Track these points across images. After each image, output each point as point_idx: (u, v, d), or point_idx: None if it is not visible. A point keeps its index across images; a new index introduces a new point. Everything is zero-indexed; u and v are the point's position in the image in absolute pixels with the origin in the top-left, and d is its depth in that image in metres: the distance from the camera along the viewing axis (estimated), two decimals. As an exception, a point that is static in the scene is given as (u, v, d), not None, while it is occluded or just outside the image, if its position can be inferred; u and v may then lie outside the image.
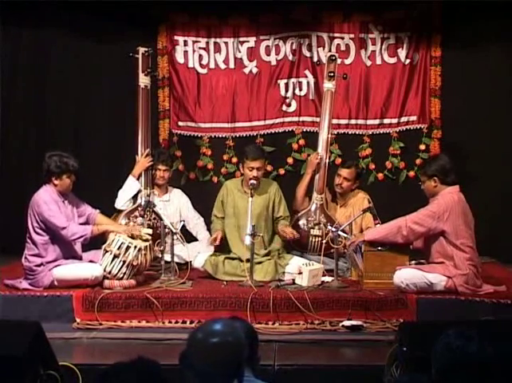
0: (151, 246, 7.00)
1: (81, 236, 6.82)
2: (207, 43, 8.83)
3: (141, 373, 2.74)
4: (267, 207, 7.53)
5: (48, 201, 6.80)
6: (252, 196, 7.16)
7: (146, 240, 6.96)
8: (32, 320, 5.56)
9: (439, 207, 6.65)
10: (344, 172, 7.85)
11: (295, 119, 8.83)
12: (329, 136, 7.91)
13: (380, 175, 8.71)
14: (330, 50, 8.50)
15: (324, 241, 7.26)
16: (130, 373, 2.74)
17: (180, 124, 8.88)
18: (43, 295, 6.68)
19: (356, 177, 7.94)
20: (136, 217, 7.56)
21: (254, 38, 8.81)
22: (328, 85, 7.94)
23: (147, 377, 2.74)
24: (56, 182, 6.87)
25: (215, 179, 8.77)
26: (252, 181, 7.29)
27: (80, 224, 6.98)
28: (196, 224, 8.06)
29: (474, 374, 3.17)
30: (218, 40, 8.83)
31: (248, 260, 7.01)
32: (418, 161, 8.62)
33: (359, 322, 6.38)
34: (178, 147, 8.84)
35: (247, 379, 3.18)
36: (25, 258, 6.87)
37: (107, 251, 6.80)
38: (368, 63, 8.75)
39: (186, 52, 8.85)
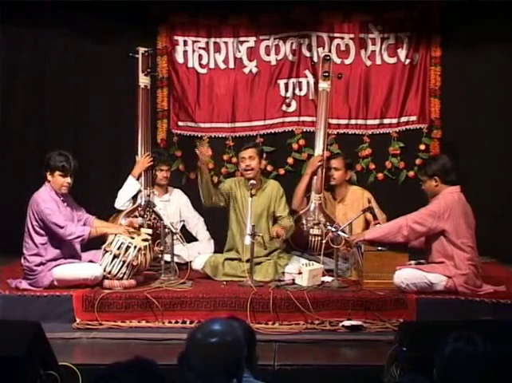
0: (151, 246, 7.00)
1: (79, 236, 6.80)
2: (207, 43, 8.83)
3: (140, 374, 2.74)
4: (268, 206, 7.51)
5: (47, 200, 6.80)
6: (252, 196, 7.16)
7: (146, 240, 6.96)
8: (32, 320, 5.55)
9: (439, 206, 6.65)
10: (333, 163, 7.87)
11: (295, 119, 8.83)
12: (326, 135, 7.92)
13: (380, 175, 8.72)
14: (330, 50, 8.50)
15: (323, 241, 7.25)
16: (129, 373, 2.73)
17: (180, 124, 8.88)
18: (43, 295, 6.68)
19: (346, 167, 7.96)
20: (136, 217, 7.55)
21: (253, 38, 8.82)
22: (323, 85, 7.95)
23: (146, 377, 2.74)
24: (49, 178, 6.85)
25: (215, 179, 8.76)
26: (252, 181, 7.27)
27: (78, 226, 7.00)
28: (196, 224, 8.07)
29: (477, 376, 3.18)
30: (217, 40, 8.84)
31: (248, 260, 7.02)
32: (418, 161, 8.62)
33: (359, 322, 6.38)
34: (178, 147, 8.84)
35: (246, 379, 3.18)
36: (25, 258, 6.86)
37: (107, 251, 6.81)
38: (368, 63, 8.76)
39: (186, 52, 8.85)
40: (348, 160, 8.08)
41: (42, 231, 6.82)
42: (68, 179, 6.90)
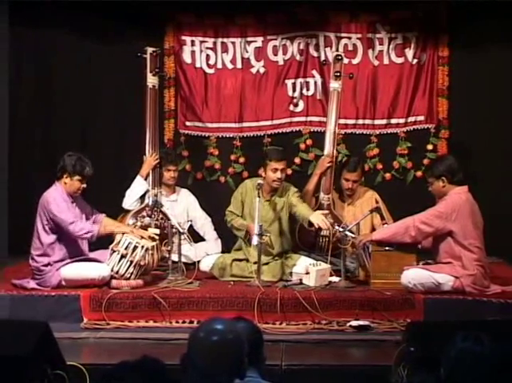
0: (159, 246, 7.01)
1: (88, 232, 6.82)
2: (214, 43, 8.83)
3: (145, 373, 2.75)
4: (283, 210, 7.48)
5: (57, 198, 6.83)
6: (259, 196, 7.16)
7: (153, 240, 6.97)
8: (39, 320, 5.57)
9: (446, 207, 6.64)
10: (353, 176, 7.79)
11: (302, 119, 8.82)
12: (336, 136, 7.91)
13: (388, 175, 8.70)
14: (337, 50, 8.48)
15: (331, 241, 7.25)
16: (135, 373, 2.75)
17: (187, 124, 8.88)
18: (51, 295, 6.70)
19: (363, 173, 7.98)
20: (144, 217, 7.57)
21: (261, 38, 8.81)
22: (334, 85, 7.93)
23: (151, 376, 2.75)
24: (66, 180, 6.89)
25: (222, 179, 8.78)
26: (259, 181, 7.27)
27: (87, 225, 7.01)
28: (203, 224, 8.06)
29: (484, 376, 3.17)
30: (225, 40, 8.83)
31: (255, 261, 7.02)
32: (425, 161, 8.59)
33: (366, 322, 6.38)
34: (185, 147, 8.84)
35: (253, 379, 3.19)
36: (32, 258, 6.88)
37: (114, 251, 6.81)
38: (376, 63, 8.74)
39: (193, 52, 8.85)
40: (363, 163, 8.11)
41: (51, 231, 6.85)
42: (85, 185, 6.95)
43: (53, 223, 6.82)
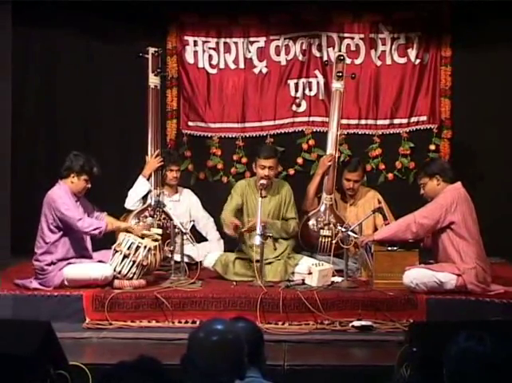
0: (161, 246, 7.02)
1: (97, 228, 6.84)
2: (217, 43, 8.83)
3: (144, 373, 2.76)
4: (279, 207, 7.50)
5: (62, 196, 6.85)
6: (262, 196, 7.16)
7: (156, 240, 6.98)
8: (42, 320, 5.58)
9: (445, 199, 6.67)
10: (354, 176, 7.82)
11: (305, 119, 8.82)
12: (338, 136, 7.91)
13: (390, 176, 8.69)
14: (340, 50, 8.48)
15: (333, 241, 7.26)
16: (133, 373, 2.75)
17: (190, 124, 8.88)
18: (53, 295, 6.71)
19: (364, 174, 7.97)
20: (146, 217, 7.58)
21: (263, 38, 8.81)
22: (336, 85, 7.94)
23: (150, 376, 2.76)
24: (73, 180, 6.90)
25: (225, 179, 8.77)
26: (262, 181, 7.28)
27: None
28: (206, 224, 8.06)
29: (487, 376, 3.17)
30: (228, 40, 8.83)
31: (258, 260, 7.02)
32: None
33: (369, 323, 6.38)
34: (187, 147, 8.84)
35: (255, 379, 3.19)
36: (36, 257, 6.89)
37: (117, 251, 6.82)
38: (378, 63, 8.74)
39: (196, 52, 8.85)
40: (364, 164, 8.13)
41: (57, 229, 6.85)
42: (89, 185, 6.96)
43: (60, 221, 6.83)
